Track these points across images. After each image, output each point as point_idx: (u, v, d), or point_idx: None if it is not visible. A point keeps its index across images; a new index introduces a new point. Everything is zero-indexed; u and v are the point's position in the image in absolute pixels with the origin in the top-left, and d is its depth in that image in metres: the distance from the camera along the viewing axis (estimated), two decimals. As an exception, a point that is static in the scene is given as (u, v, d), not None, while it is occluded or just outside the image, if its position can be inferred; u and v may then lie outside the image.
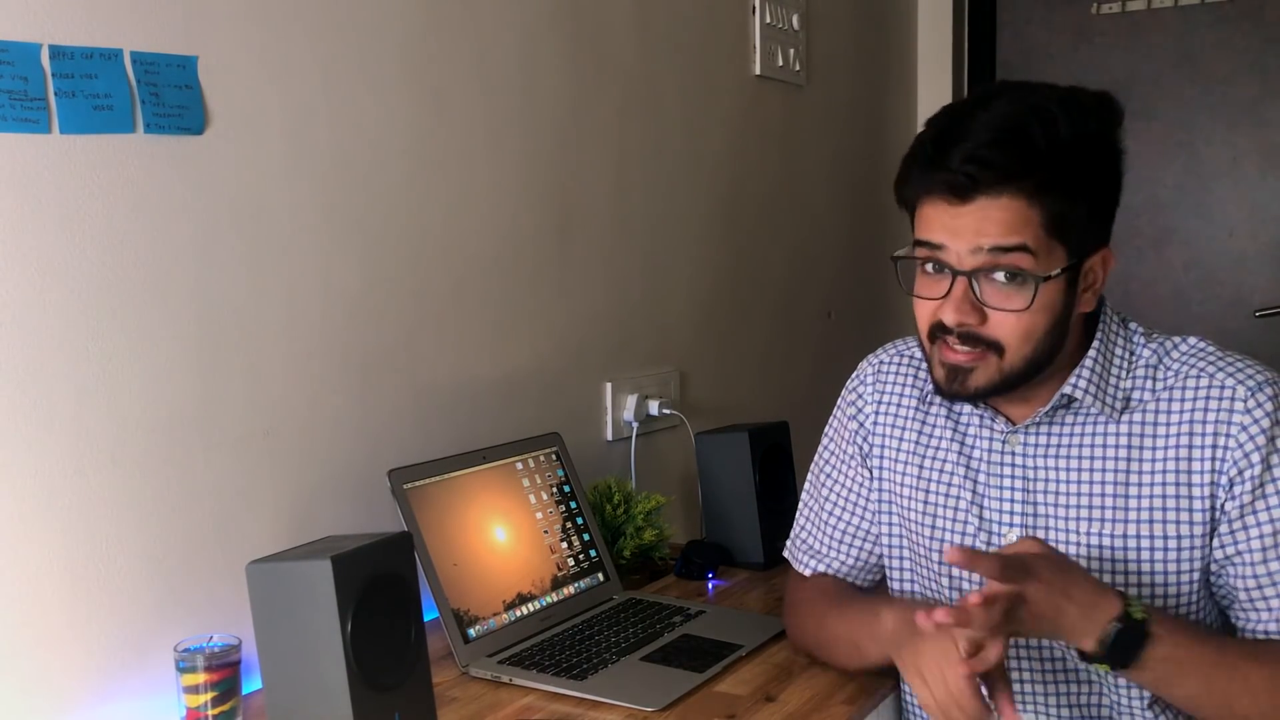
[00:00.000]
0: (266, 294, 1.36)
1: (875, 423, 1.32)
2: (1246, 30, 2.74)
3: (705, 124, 2.18)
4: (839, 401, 1.39)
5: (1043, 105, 1.09)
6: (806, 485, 1.42)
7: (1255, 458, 1.09)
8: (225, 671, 1.15)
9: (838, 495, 1.36)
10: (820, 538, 1.37)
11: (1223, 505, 1.11)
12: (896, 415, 1.31)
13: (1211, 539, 1.12)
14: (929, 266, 1.13)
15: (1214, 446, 1.11)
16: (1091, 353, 1.17)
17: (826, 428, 1.41)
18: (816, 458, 1.41)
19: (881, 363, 1.35)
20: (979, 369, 1.12)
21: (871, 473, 1.33)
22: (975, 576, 1.20)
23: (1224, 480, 1.11)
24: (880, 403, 1.33)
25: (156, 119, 1.22)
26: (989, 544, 1.20)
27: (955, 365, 1.13)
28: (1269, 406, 1.10)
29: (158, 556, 1.24)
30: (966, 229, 1.09)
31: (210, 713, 1.14)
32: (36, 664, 1.14)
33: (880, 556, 1.34)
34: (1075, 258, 1.11)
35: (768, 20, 2.33)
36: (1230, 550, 1.11)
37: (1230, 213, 2.80)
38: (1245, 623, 1.12)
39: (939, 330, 1.14)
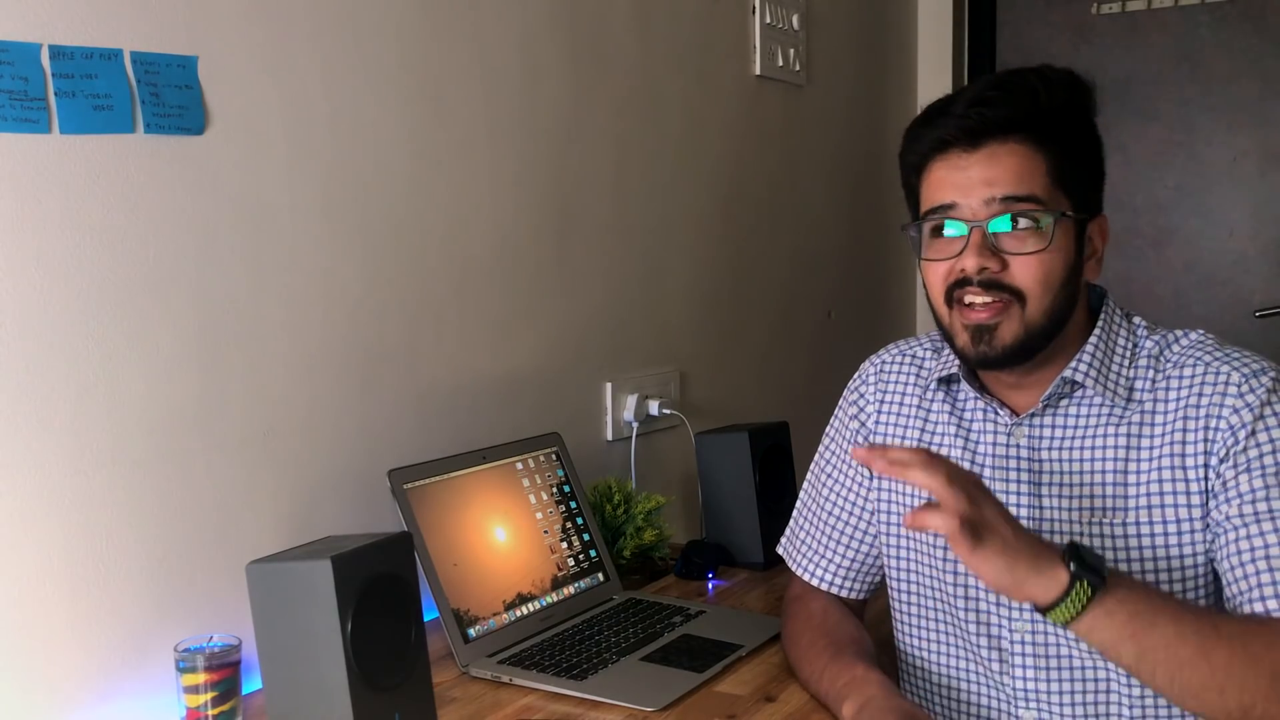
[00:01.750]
0: (266, 294, 1.36)
1: (878, 421, 1.33)
2: (1246, 30, 2.74)
3: (705, 124, 2.18)
4: (840, 401, 1.39)
5: (1032, 69, 1.14)
6: (805, 484, 1.42)
7: (1242, 434, 1.10)
8: (225, 671, 1.15)
9: (836, 495, 1.36)
10: (818, 536, 1.37)
11: (1212, 486, 1.11)
12: (899, 413, 1.31)
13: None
14: (942, 228, 1.15)
15: (1206, 429, 1.12)
16: (1093, 338, 1.18)
17: (828, 428, 1.41)
18: (817, 457, 1.41)
19: (884, 362, 1.35)
20: (1003, 322, 1.12)
21: (871, 473, 1.33)
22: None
23: (1214, 460, 1.11)
24: (883, 401, 1.33)
25: (156, 119, 1.22)
26: None
27: (979, 324, 1.13)
28: (1262, 393, 1.11)
29: (158, 556, 1.25)
30: (976, 180, 1.12)
31: (210, 713, 1.14)
32: (36, 664, 1.14)
33: (877, 557, 1.34)
34: (1080, 212, 1.14)
35: (768, 20, 2.33)
36: (1215, 527, 1.11)
37: (1230, 213, 2.80)
38: (1230, 600, 1.09)
39: (956, 288, 1.14)
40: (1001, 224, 1.11)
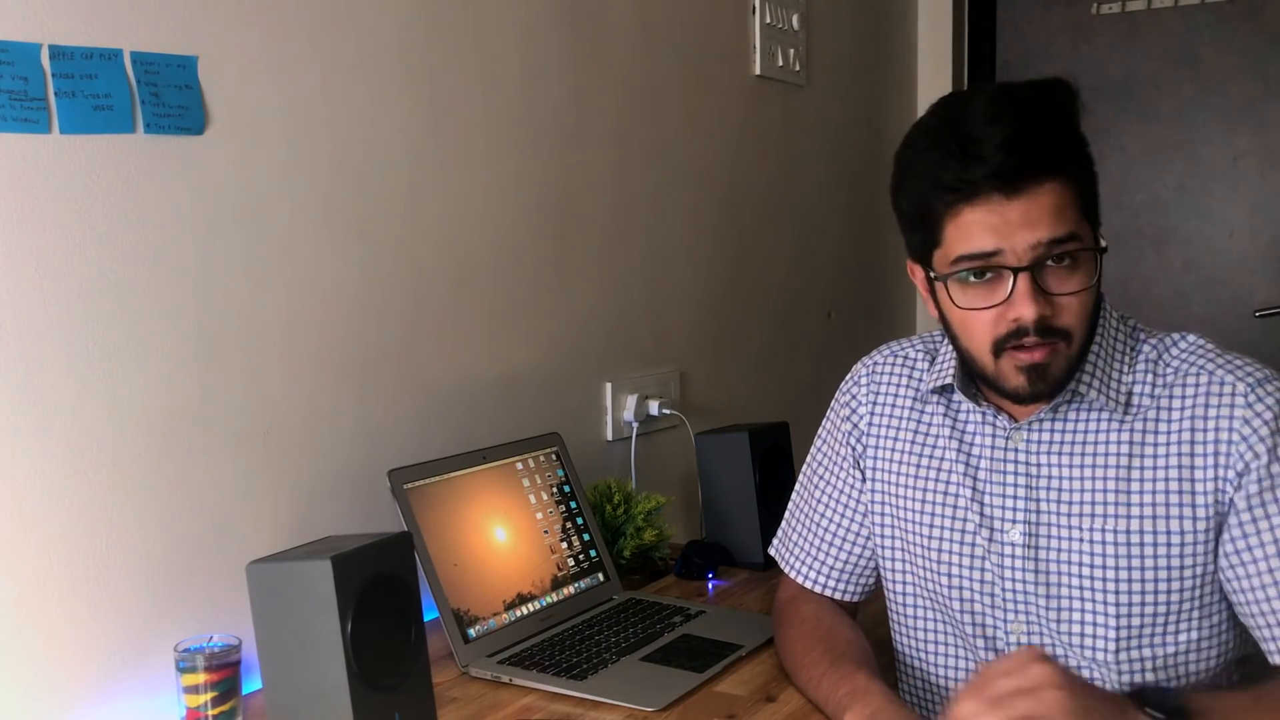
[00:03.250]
0: (266, 294, 1.36)
1: (870, 424, 1.32)
2: (1246, 30, 2.74)
3: (705, 124, 2.18)
4: (832, 403, 1.39)
5: (1031, 97, 1.10)
6: (797, 487, 1.42)
7: (1260, 448, 1.09)
8: (225, 671, 1.15)
9: (829, 498, 1.36)
10: (810, 539, 1.37)
11: (1231, 500, 1.10)
12: (892, 415, 1.31)
13: (1218, 536, 1.12)
14: (976, 276, 1.10)
15: (1217, 443, 1.11)
16: (1094, 347, 1.17)
17: (819, 430, 1.40)
18: (808, 460, 1.41)
19: (876, 364, 1.35)
20: (1054, 361, 1.11)
21: (864, 475, 1.33)
22: (978, 575, 1.20)
23: (1231, 474, 1.10)
24: (875, 403, 1.32)
25: (156, 119, 1.22)
26: (990, 540, 1.20)
27: (1034, 364, 1.11)
28: (1271, 403, 1.10)
29: (158, 556, 1.25)
30: (1018, 225, 1.07)
31: (210, 713, 1.14)
32: (36, 664, 1.14)
33: (870, 560, 1.34)
34: (1102, 236, 1.14)
35: (768, 20, 2.34)
36: (1240, 545, 1.10)
37: (1230, 213, 2.79)
38: (1268, 643, 1.09)
39: (1010, 338, 1.10)
40: (1046, 265, 1.08)
